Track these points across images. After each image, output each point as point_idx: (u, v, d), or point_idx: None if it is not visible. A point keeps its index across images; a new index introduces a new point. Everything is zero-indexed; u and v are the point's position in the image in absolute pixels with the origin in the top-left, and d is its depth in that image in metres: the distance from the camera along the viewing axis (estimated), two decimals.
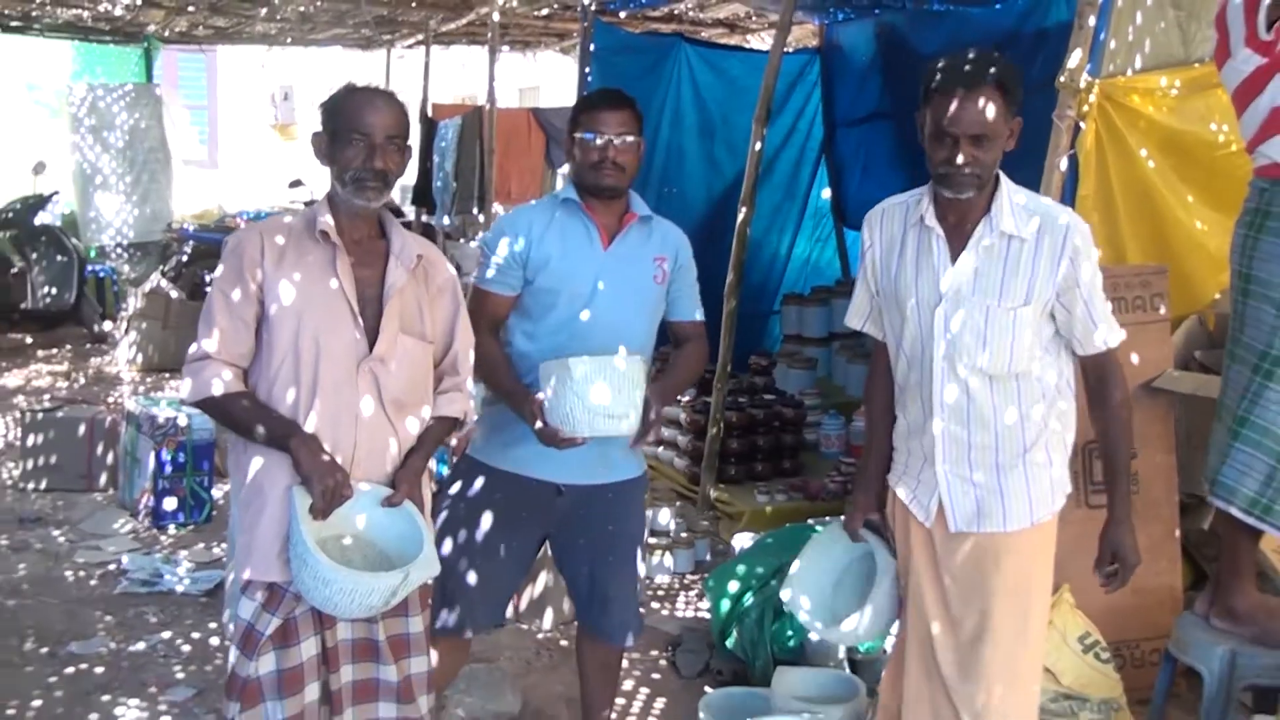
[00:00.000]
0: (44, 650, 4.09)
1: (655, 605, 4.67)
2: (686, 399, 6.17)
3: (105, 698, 3.75)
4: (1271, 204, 3.00)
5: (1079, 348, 2.57)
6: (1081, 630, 3.57)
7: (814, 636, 2.86)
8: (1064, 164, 3.65)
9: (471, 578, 2.95)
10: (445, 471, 4.90)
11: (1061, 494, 2.64)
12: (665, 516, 5.20)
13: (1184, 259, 4.02)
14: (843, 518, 2.86)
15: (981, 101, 2.39)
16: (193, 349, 2.45)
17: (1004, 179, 2.55)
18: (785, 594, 2.88)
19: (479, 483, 2.99)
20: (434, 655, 2.66)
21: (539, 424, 2.73)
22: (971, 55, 2.44)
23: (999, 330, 2.48)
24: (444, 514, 3.00)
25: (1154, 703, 3.40)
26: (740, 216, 5.70)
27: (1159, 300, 3.84)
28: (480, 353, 2.77)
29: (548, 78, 15.19)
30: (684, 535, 5.13)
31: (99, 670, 3.95)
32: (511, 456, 2.95)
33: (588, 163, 2.91)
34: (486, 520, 2.97)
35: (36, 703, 3.71)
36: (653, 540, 5.01)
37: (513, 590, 3.16)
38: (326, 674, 2.46)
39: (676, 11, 8.67)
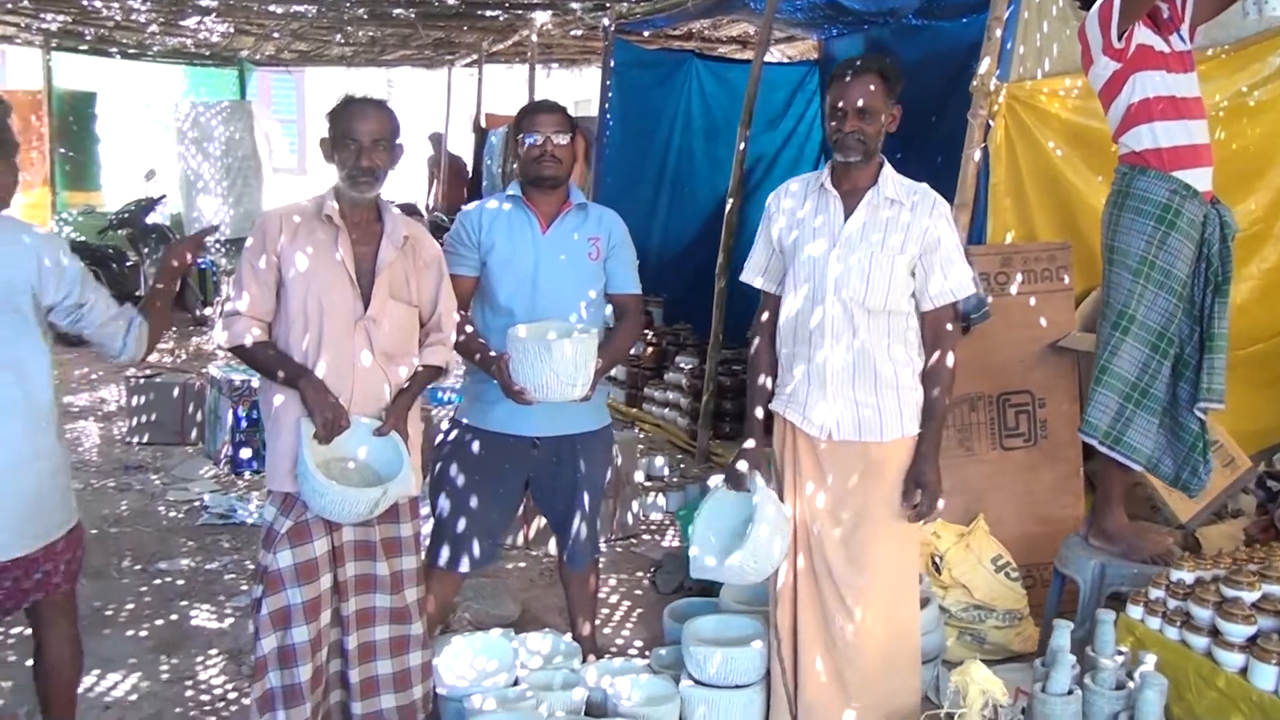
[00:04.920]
0: (137, 567, 4.49)
1: (646, 537, 4.95)
2: (687, 367, 6.43)
3: (183, 603, 4.14)
4: (1131, 185, 3.20)
5: (929, 301, 2.81)
6: (995, 553, 3.76)
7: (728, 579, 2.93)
8: (977, 155, 3.86)
9: (466, 522, 3.17)
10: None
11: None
12: (659, 463, 5.47)
13: (1092, 237, 4.17)
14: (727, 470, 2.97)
15: (865, 81, 2.73)
16: (227, 306, 2.75)
17: (886, 162, 2.84)
18: (693, 551, 2.93)
19: (466, 442, 3.20)
20: (421, 555, 2.92)
21: (511, 383, 2.92)
22: (862, 55, 2.81)
23: (878, 271, 2.76)
24: (438, 470, 3.23)
25: (1046, 611, 3.60)
26: (728, 206, 5.93)
27: (1064, 272, 4.02)
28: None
29: (596, 92, 15.35)
30: (675, 480, 5.39)
31: (180, 583, 4.34)
32: (492, 418, 3.17)
33: (530, 158, 3.13)
34: (476, 472, 3.18)
35: (129, 606, 4.10)
36: (649, 484, 5.29)
37: (503, 530, 3.31)
38: (335, 568, 2.75)
39: (694, 30, 8.87)
